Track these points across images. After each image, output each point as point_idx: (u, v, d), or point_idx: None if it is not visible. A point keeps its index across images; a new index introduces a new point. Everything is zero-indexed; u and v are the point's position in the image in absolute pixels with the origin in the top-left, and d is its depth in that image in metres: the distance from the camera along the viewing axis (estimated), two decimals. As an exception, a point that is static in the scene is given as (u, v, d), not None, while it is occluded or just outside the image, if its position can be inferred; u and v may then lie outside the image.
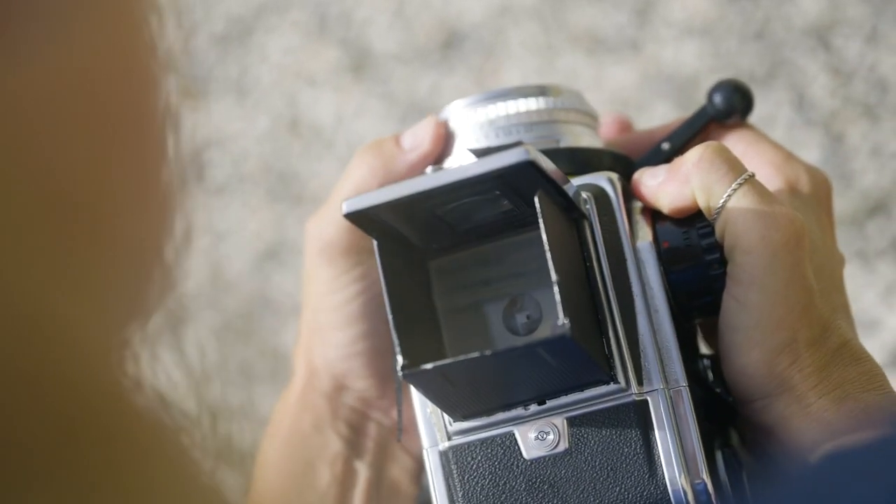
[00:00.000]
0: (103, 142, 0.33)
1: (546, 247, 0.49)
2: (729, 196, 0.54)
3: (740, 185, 0.54)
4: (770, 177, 0.59)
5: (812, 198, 0.59)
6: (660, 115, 1.19)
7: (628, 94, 1.23)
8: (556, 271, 0.49)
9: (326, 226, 0.59)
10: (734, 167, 0.55)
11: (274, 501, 0.62)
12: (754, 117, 1.18)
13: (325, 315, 0.60)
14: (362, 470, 0.62)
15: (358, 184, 0.59)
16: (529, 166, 0.49)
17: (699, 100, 0.63)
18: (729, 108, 0.61)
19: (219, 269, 1.28)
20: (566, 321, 0.48)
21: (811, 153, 1.18)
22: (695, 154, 0.55)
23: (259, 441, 0.63)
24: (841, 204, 1.16)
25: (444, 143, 0.60)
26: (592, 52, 1.25)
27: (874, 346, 1.11)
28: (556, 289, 0.49)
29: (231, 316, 1.26)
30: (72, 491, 0.28)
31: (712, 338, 0.59)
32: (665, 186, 0.56)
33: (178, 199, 0.35)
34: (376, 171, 0.59)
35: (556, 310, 0.49)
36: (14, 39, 0.30)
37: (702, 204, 0.55)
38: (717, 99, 0.61)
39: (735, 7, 1.23)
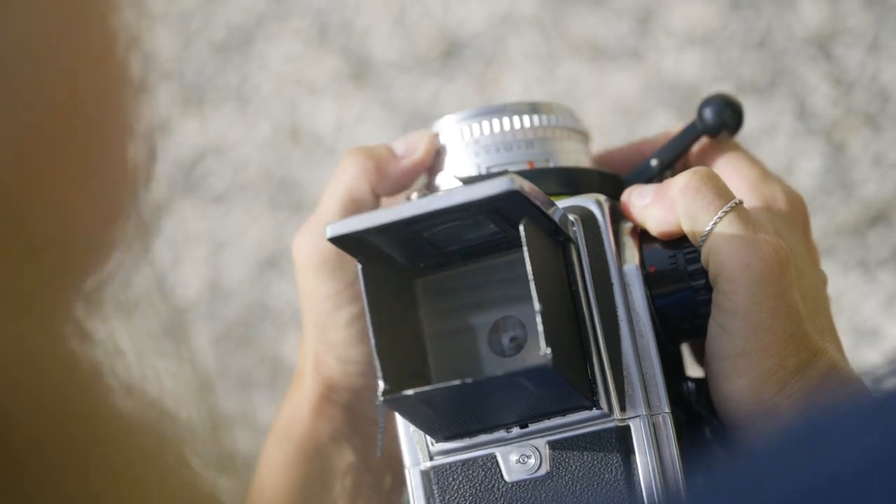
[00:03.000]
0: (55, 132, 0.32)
1: (530, 277, 0.49)
2: (714, 224, 0.54)
3: (725, 213, 0.54)
4: (746, 195, 0.59)
5: (790, 218, 0.59)
6: (661, 124, 1.19)
7: (630, 102, 1.23)
8: (540, 299, 0.49)
9: (321, 239, 0.59)
10: (721, 194, 0.55)
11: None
12: (755, 127, 1.18)
13: (336, 332, 0.60)
14: (368, 482, 0.62)
15: (349, 185, 0.59)
16: (516, 195, 0.49)
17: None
18: (719, 123, 0.60)
19: (219, 277, 1.28)
20: (548, 351, 0.48)
21: (812, 162, 1.18)
22: (681, 180, 0.55)
23: (258, 449, 0.63)
24: (842, 213, 1.16)
25: (434, 155, 0.59)
26: (594, 60, 1.25)
27: (875, 355, 1.11)
28: (538, 319, 0.49)
29: (231, 324, 1.25)
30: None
31: (702, 358, 0.59)
32: (651, 210, 0.56)
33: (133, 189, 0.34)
34: (369, 172, 0.59)
35: (540, 335, 0.49)
36: None
37: (687, 231, 0.55)
38: (708, 114, 0.60)
39: (737, 16, 1.23)
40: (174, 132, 1.33)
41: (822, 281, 0.59)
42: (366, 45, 1.31)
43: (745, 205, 0.57)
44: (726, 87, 1.20)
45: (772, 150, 1.17)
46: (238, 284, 1.27)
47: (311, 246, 0.60)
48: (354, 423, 0.62)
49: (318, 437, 0.62)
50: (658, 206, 0.55)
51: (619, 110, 1.22)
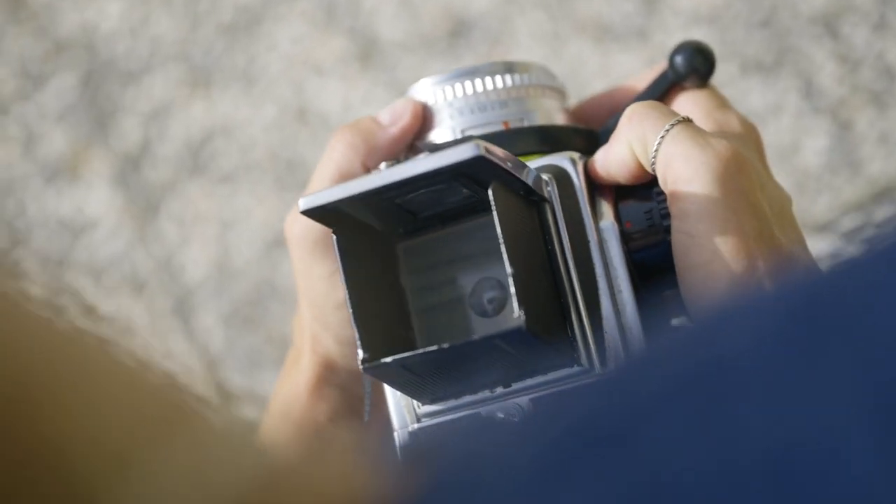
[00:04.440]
0: None
1: (501, 241, 0.50)
2: (662, 138, 0.53)
3: (672, 125, 0.53)
4: (699, 120, 0.58)
5: (745, 139, 0.58)
6: (667, 103, 1.19)
7: (635, 82, 1.23)
8: (513, 261, 0.50)
9: (312, 220, 0.59)
10: (666, 113, 0.54)
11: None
12: (761, 106, 1.18)
13: (332, 313, 0.60)
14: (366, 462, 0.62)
15: (339, 162, 0.59)
16: (482, 160, 0.50)
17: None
18: (689, 69, 0.60)
19: (227, 257, 1.28)
20: (522, 313, 0.49)
21: (818, 141, 1.18)
22: (626, 113, 0.55)
23: (257, 425, 0.63)
24: (848, 191, 1.16)
25: (421, 119, 0.60)
26: (599, 40, 1.25)
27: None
28: (510, 281, 0.50)
29: (239, 303, 1.26)
30: None
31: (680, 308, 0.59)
32: (608, 155, 0.56)
33: None
34: (357, 148, 0.59)
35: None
36: None
37: (641, 158, 0.54)
38: (678, 61, 0.60)
39: (742, -5, 1.23)
40: (182, 113, 1.33)
41: (787, 199, 0.58)
42: (372, 26, 1.31)
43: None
44: (732, 66, 1.20)
45: (777, 129, 1.18)
46: (246, 264, 1.27)
47: (302, 227, 0.60)
48: (352, 404, 0.62)
49: (316, 418, 0.62)
50: (612, 148, 0.55)
51: (624, 90, 1.22)
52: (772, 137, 1.17)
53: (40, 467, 0.28)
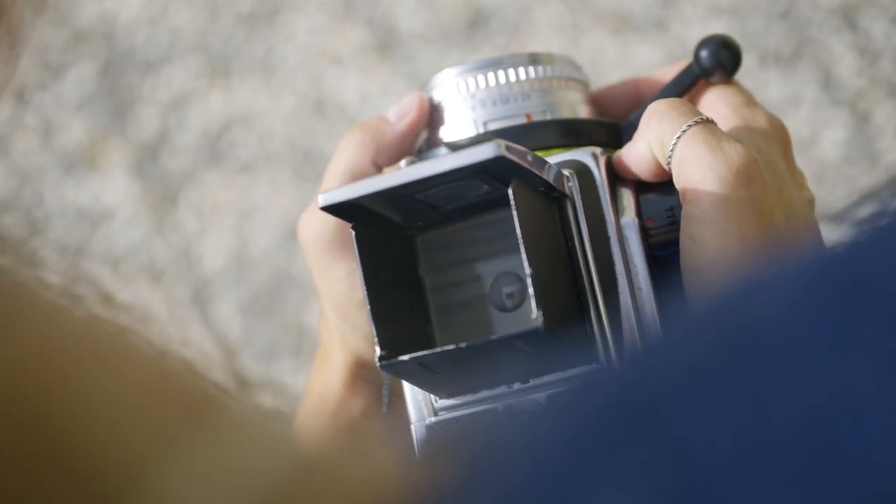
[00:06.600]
0: None
1: (520, 240, 0.50)
2: (678, 138, 0.53)
3: (689, 126, 0.53)
4: (728, 117, 0.58)
5: (771, 136, 0.57)
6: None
7: (653, 73, 1.23)
8: (532, 261, 0.50)
9: (326, 221, 0.59)
10: (685, 113, 0.54)
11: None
12: (780, 97, 1.18)
13: (356, 313, 0.60)
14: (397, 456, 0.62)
15: (350, 161, 0.59)
16: (502, 160, 0.50)
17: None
18: (715, 64, 0.59)
19: (244, 246, 1.29)
20: (540, 314, 0.49)
21: (837, 132, 1.18)
22: (647, 110, 0.55)
23: (283, 415, 0.63)
24: (866, 182, 1.16)
25: (428, 113, 0.60)
26: (618, 31, 1.25)
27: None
28: (529, 281, 0.49)
29: (256, 293, 1.26)
30: None
31: None
32: (630, 152, 0.56)
33: None
34: (367, 146, 0.59)
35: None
36: None
37: (659, 157, 0.54)
38: (704, 56, 0.59)
39: (761, -14, 1.23)
40: (200, 103, 1.34)
41: (809, 200, 0.57)
42: (391, 17, 1.31)
43: (726, 126, 0.56)
44: (751, 58, 1.20)
45: (796, 121, 1.17)
46: (263, 253, 1.27)
47: (317, 228, 0.60)
48: (384, 399, 0.62)
49: (349, 413, 0.62)
50: (633, 146, 0.55)
51: (643, 81, 1.22)
52: (790, 129, 1.17)
53: (56, 464, 0.28)
